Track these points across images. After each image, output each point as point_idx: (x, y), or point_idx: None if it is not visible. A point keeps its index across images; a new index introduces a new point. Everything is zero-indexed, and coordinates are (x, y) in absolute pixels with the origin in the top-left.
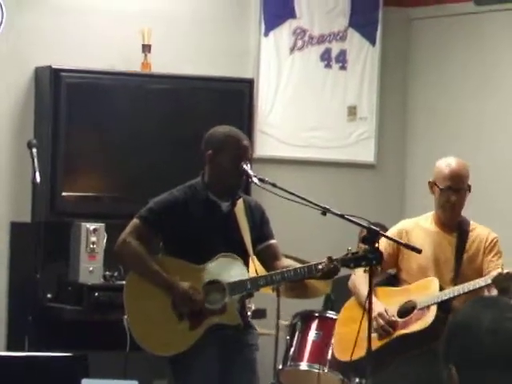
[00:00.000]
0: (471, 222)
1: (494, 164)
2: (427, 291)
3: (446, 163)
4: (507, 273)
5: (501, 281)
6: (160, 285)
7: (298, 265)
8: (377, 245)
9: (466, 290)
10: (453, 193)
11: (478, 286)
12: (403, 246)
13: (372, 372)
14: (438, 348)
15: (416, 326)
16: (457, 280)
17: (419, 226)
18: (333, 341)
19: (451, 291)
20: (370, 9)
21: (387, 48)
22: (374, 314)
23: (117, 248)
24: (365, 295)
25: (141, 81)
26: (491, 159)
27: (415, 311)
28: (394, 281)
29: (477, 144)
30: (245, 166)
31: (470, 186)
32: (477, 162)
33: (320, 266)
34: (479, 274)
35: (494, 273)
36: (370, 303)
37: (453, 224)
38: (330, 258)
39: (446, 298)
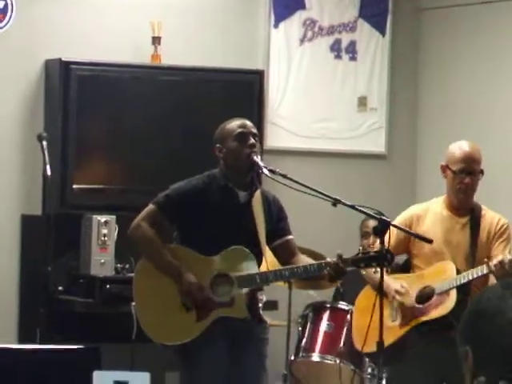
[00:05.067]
0: (482, 207)
1: (506, 153)
2: (444, 275)
3: (460, 146)
4: (510, 260)
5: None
6: (168, 272)
7: (310, 261)
8: (386, 238)
9: (484, 272)
10: (466, 175)
11: (493, 269)
12: (414, 235)
13: (393, 360)
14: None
15: (437, 312)
16: (473, 264)
17: (430, 211)
18: (353, 332)
19: (469, 273)
20: None
21: (397, 38)
22: (391, 292)
23: (130, 232)
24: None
25: (151, 73)
26: (503, 148)
27: (434, 296)
28: (403, 269)
29: (488, 134)
30: (255, 157)
31: (482, 171)
32: (488, 151)
33: (329, 265)
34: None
35: (500, 258)
36: (381, 304)
37: (465, 208)
38: (340, 257)
39: (464, 281)
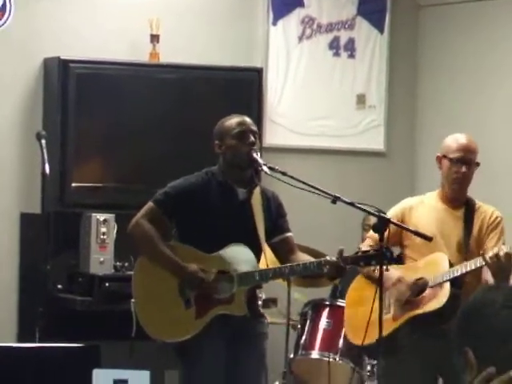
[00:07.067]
0: (476, 201)
1: (506, 149)
2: (437, 268)
3: (456, 137)
4: (506, 253)
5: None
6: (169, 267)
7: (310, 259)
8: (385, 234)
9: (478, 265)
10: (463, 165)
11: (489, 261)
12: (413, 232)
13: (386, 354)
14: (451, 328)
15: (431, 306)
16: (466, 255)
17: (424, 203)
18: (344, 324)
19: (463, 266)
20: None
21: (396, 36)
22: (393, 280)
23: (129, 229)
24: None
25: (149, 71)
26: (503, 144)
27: (428, 289)
28: (397, 261)
29: (488, 130)
30: (255, 155)
31: (478, 163)
32: (488, 147)
33: (329, 263)
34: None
35: (495, 250)
36: (381, 299)
37: (460, 200)
38: (340, 253)
39: (457, 274)
